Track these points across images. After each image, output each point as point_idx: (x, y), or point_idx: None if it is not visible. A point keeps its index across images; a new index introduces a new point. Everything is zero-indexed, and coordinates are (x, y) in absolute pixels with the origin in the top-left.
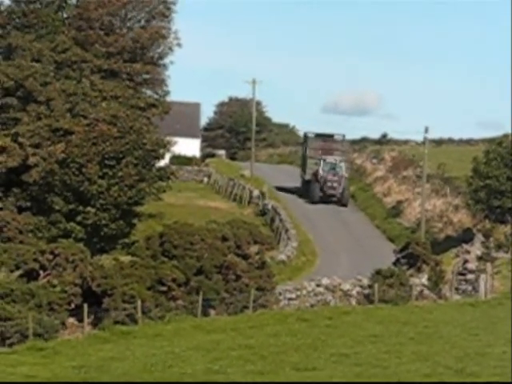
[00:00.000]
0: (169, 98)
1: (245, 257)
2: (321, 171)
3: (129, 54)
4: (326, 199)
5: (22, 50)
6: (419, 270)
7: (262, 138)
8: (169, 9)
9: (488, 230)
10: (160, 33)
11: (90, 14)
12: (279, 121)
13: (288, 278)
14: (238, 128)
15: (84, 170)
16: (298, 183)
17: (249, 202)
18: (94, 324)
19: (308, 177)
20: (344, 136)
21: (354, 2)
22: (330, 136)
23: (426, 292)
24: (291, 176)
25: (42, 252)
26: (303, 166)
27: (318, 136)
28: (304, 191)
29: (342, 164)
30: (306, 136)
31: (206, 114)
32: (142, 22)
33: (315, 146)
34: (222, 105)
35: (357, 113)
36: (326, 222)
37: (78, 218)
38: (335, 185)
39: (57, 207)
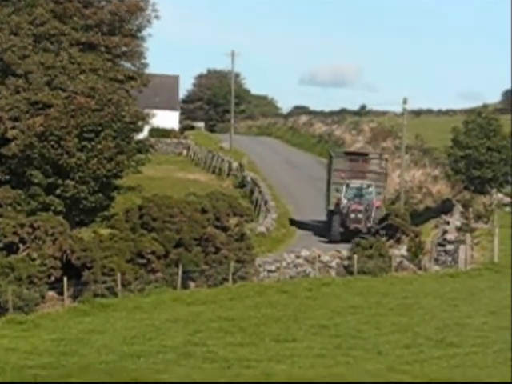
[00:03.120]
0: (147, 71)
1: (224, 229)
2: (343, 199)
3: (107, 26)
4: (350, 236)
5: (0, 23)
6: (398, 241)
7: (241, 110)
8: None
9: (467, 200)
10: (138, 5)
11: None
12: (258, 93)
13: (268, 250)
14: (217, 100)
15: (63, 143)
16: (276, 154)
17: (228, 174)
18: (74, 297)
19: (332, 207)
20: (381, 155)
21: None
22: (363, 154)
23: (406, 263)
24: (269, 147)
25: (22, 225)
26: (328, 195)
27: (348, 154)
28: (326, 226)
29: (372, 189)
30: (330, 155)
31: (185, 87)
32: None
33: (342, 168)
34: (200, 77)
35: (335, 84)
36: (305, 193)
37: (57, 191)
38: (360, 216)
39: (36, 180)
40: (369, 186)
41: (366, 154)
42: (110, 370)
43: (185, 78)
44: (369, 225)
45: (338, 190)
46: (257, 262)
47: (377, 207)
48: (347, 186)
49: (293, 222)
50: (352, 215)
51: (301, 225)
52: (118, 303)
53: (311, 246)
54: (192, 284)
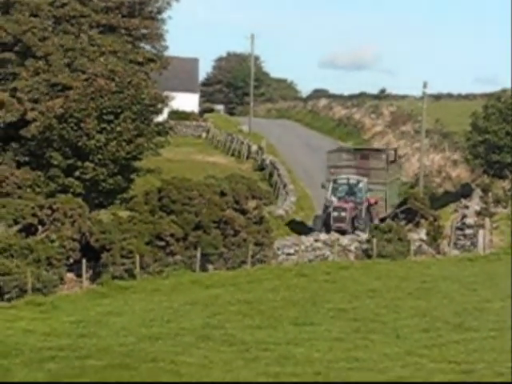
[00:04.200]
0: (167, 53)
1: (243, 212)
2: (329, 196)
3: (127, 8)
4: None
5: (20, 4)
6: (418, 225)
7: (261, 92)
8: None
9: (486, 184)
10: None
11: None
12: (277, 76)
13: (286, 233)
14: (237, 83)
15: (82, 125)
16: (296, 137)
17: (247, 157)
18: (93, 279)
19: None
20: (385, 149)
21: None
22: (363, 150)
23: (425, 247)
24: (289, 131)
25: (41, 207)
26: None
27: (357, 150)
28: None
29: (363, 185)
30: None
31: (205, 70)
32: None
33: (337, 164)
34: (220, 60)
35: (354, 67)
36: (324, 178)
37: (77, 173)
38: (344, 215)
39: (55, 162)
40: (359, 182)
41: (367, 150)
42: (129, 352)
43: (205, 61)
44: (357, 224)
45: (323, 186)
46: (275, 245)
47: (371, 204)
48: (334, 182)
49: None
50: (335, 213)
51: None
52: (137, 285)
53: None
54: (211, 267)
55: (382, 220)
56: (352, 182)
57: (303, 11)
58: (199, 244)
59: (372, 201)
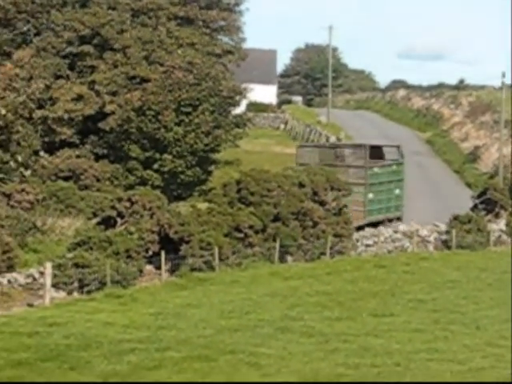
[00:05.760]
0: (245, 45)
1: (322, 203)
2: None
3: (205, 0)
4: None
5: None
6: (497, 215)
7: (339, 84)
8: None
9: None
10: None
11: None
12: (355, 67)
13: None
14: (315, 74)
15: (160, 117)
16: (374, 128)
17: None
18: (172, 271)
19: None
20: (364, 145)
21: None
22: (345, 146)
23: (504, 238)
24: (367, 121)
25: (120, 199)
26: None
27: (331, 147)
28: None
29: None
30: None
31: (283, 61)
32: None
33: (307, 161)
34: (298, 51)
35: (432, 58)
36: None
37: (155, 166)
38: None
39: (133, 155)
40: None
41: (343, 146)
42: (207, 344)
43: (283, 53)
44: None
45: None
46: (354, 236)
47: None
48: None
49: None
50: None
51: None
52: (216, 277)
53: (409, 221)
54: (289, 258)
55: (358, 229)
56: None
57: (381, 1)
58: (278, 236)
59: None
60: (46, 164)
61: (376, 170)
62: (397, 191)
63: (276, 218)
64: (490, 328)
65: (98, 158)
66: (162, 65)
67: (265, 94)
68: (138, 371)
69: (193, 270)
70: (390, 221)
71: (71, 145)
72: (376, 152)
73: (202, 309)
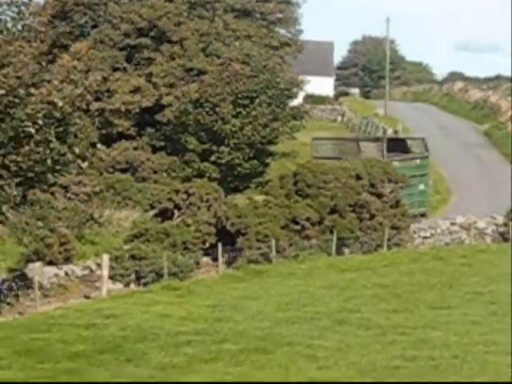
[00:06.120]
0: (302, 37)
1: (379, 195)
2: None
3: None
4: None
5: None
6: None
7: (396, 76)
8: None
9: None
10: None
11: None
12: (413, 59)
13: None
14: (372, 66)
15: (217, 109)
16: (431, 120)
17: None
18: (228, 263)
19: None
20: (382, 138)
21: None
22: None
23: None
24: (424, 114)
25: (177, 191)
26: None
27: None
28: None
29: None
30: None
31: (340, 53)
32: None
33: (322, 155)
34: (355, 43)
35: (489, 49)
36: (460, 160)
37: (212, 158)
38: None
39: (191, 147)
40: None
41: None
42: (265, 336)
43: (340, 45)
44: None
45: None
46: (411, 228)
47: None
48: None
49: None
50: None
51: None
52: (272, 269)
53: (466, 213)
54: (346, 250)
55: None
56: None
57: None
58: (335, 228)
59: None
60: (104, 156)
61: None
62: (421, 186)
63: (333, 210)
64: None
65: (155, 150)
66: (219, 57)
67: (322, 86)
68: (195, 363)
69: (250, 262)
70: (414, 217)
71: (128, 137)
72: (399, 145)
73: (258, 301)
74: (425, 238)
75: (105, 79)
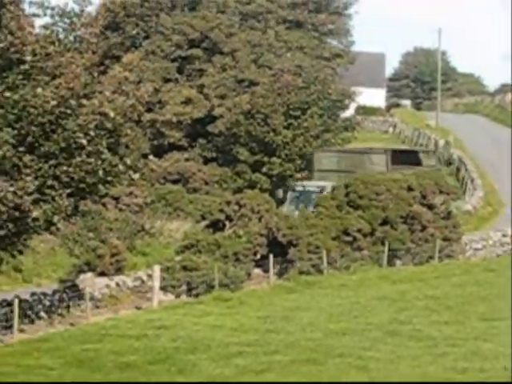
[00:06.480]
0: (353, 48)
1: (430, 207)
2: (285, 206)
3: (314, 4)
4: None
5: (207, 1)
6: None
7: (447, 87)
8: None
9: None
10: None
11: None
12: (464, 70)
13: (474, 228)
14: (423, 78)
15: (269, 120)
16: (483, 132)
17: (434, 152)
18: (280, 274)
19: None
20: (385, 151)
21: None
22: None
23: None
24: (476, 125)
25: (228, 203)
26: None
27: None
28: None
29: (313, 190)
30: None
31: (391, 65)
32: None
33: (324, 167)
34: (407, 55)
35: None
36: None
37: (264, 169)
38: None
39: (242, 158)
40: (321, 190)
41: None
42: (316, 347)
43: (392, 56)
44: None
45: (274, 195)
46: (463, 240)
47: None
48: (293, 190)
49: None
50: None
51: None
52: (324, 280)
53: None
54: (398, 262)
55: None
56: (311, 189)
57: (488, 4)
58: (386, 239)
59: None
60: (155, 167)
61: None
62: None
63: (384, 222)
64: None
65: (206, 161)
66: (270, 68)
67: (373, 97)
68: (246, 374)
69: (301, 273)
70: None
71: (180, 148)
72: (411, 157)
73: (310, 312)
74: (476, 249)
75: (156, 90)
